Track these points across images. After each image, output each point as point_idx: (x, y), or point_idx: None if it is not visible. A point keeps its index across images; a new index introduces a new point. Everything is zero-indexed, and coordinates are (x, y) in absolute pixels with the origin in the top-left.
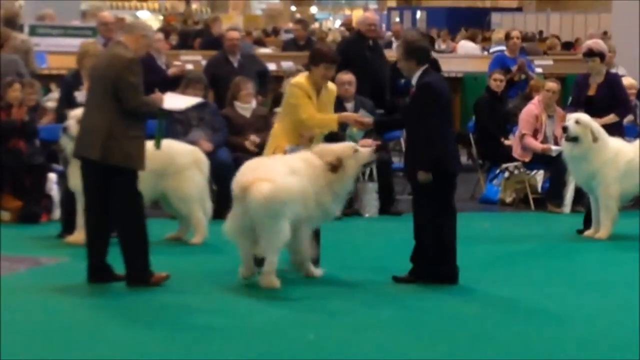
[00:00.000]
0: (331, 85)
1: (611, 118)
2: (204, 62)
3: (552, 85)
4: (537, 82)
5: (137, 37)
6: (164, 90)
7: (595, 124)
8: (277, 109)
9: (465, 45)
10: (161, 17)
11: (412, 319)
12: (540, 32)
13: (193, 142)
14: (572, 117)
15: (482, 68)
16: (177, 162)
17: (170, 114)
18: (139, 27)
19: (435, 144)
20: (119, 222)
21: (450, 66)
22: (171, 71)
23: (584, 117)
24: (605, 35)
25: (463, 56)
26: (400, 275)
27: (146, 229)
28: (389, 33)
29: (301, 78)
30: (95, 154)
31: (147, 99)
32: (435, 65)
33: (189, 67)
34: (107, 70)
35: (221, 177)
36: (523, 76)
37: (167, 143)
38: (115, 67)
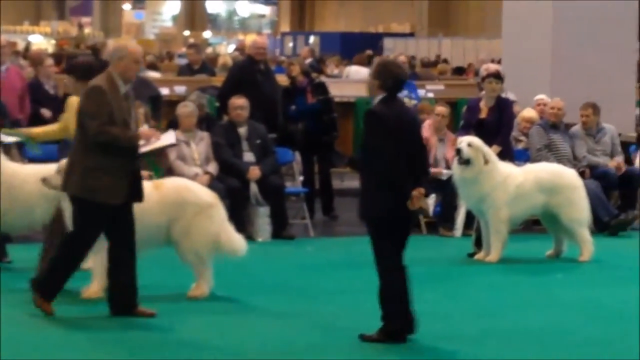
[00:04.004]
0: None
1: (495, 149)
2: None
3: (441, 109)
4: (426, 106)
5: (125, 62)
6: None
7: (486, 147)
8: None
9: (357, 70)
10: (53, 42)
11: (306, 341)
12: (439, 57)
13: None
14: (464, 140)
15: None
16: None
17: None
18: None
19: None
20: (60, 240)
21: (342, 91)
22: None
23: (476, 140)
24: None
25: (355, 81)
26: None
27: (79, 263)
28: (283, 58)
29: None
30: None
31: (119, 131)
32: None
33: None
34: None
35: None
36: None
37: None
38: (82, 96)
